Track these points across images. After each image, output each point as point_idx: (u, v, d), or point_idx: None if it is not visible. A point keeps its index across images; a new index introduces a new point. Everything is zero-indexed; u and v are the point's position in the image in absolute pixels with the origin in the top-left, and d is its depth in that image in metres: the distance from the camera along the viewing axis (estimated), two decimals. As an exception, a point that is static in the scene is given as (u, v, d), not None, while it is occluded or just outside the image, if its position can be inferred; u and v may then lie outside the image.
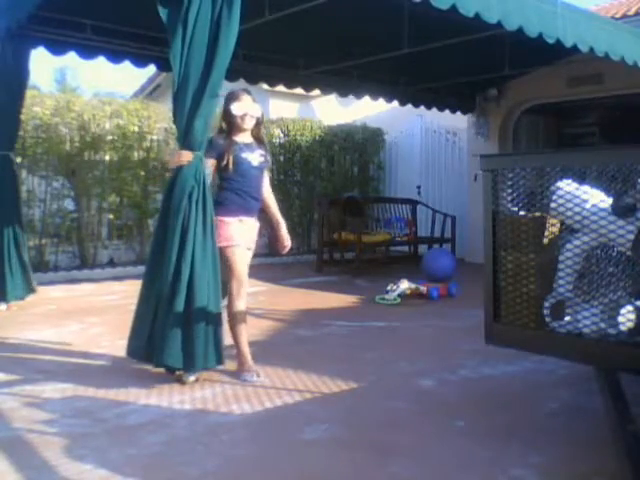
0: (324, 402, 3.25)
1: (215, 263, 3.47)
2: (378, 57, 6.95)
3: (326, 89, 8.42)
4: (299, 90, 8.35)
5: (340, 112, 11.64)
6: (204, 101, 3.40)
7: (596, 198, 2.54)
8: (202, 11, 3.38)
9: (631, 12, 7.41)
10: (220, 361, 3.48)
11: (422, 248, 9.13)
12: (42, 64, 13.70)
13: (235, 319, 3.63)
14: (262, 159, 3.76)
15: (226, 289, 3.62)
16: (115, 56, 6.26)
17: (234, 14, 3.37)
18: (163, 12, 3.50)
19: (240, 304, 3.63)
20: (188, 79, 3.41)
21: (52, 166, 7.50)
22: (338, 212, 8.50)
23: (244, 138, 3.72)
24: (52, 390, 3.35)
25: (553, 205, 2.60)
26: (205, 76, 3.39)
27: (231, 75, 7.04)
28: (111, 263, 7.98)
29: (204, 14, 3.38)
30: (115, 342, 4.34)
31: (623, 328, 2.41)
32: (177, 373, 3.47)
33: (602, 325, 2.46)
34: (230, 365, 3.65)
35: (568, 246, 2.62)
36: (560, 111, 9.77)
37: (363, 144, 10.57)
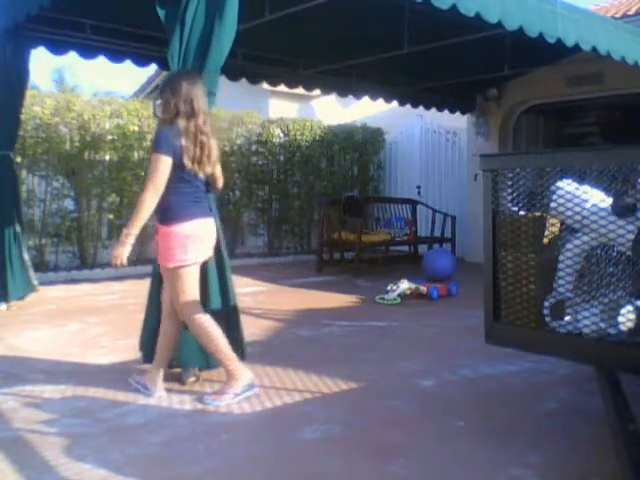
0: (324, 402, 3.25)
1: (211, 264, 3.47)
2: (378, 57, 6.94)
3: (326, 89, 8.43)
4: (299, 90, 8.35)
5: (340, 112, 11.64)
6: None
7: (596, 198, 2.54)
8: (199, 11, 3.39)
9: (631, 12, 7.40)
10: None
11: (422, 248, 9.14)
12: (40, 64, 13.68)
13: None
14: None
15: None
16: (116, 56, 6.27)
17: (230, 14, 3.36)
18: (161, 12, 3.52)
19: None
20: None
21: (52, 166, 7.49)
22: (338, 212, 8.50)
23: None
24: (52, 390, 3.35)
25: (553, 205, 2.60)
26: (200, 75, 3.39)
27: (232, 74, 7.07)
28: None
29: (201, 14, 3.39)
30: (115, 342, 4.34)
31: (623, 328, 2.41)
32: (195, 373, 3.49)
33: (602, 325, 2.46)
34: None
35: (568, 246, 2.62)
36: (560, 111, 9.76)
37: (363, 144, 10.57)
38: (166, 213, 3.11)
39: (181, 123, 3.07)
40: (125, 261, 3.08)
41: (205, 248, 3.24)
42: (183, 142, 3.05)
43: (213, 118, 3.34)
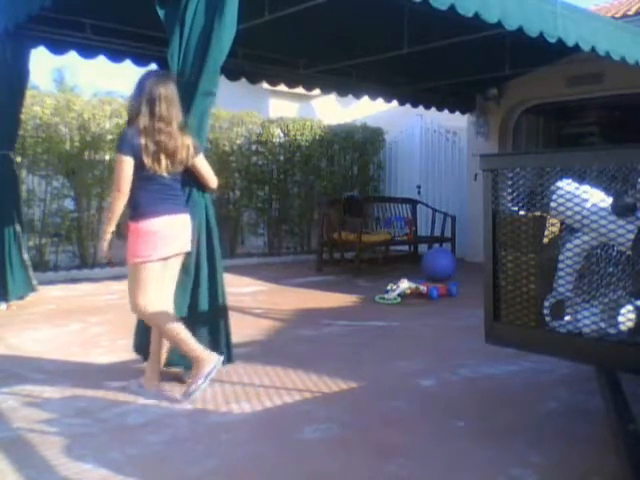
0: (324, 402, 3.25)
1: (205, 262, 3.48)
2: (378, 57, 6.94)
3: (326, 88, 8.43)
4: (299, 90, 8.35)
5: (340, 112, 11.64)
6: (197, 99, 3.40)
7: (596, 198, 2.54)
8: (199, 10, 3.40)
9: (631, 12, 7.40)
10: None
11: (422, 248, 9.14)
12: (40, 64, 13.68)
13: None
14: None
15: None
16: (115, 55, 6.28)
17: (230, 13, 3.37)
18: (161, 12, 3.53)
19: None
20: (184, 78, 3.42)
21: (52, 166, 7.49)
22: (338, 212, 8.50)
23: None
24: (52, 390, 3.35)
25: (553, 205, 2.60)
26: (199, 74, 3.39)
27: (232, 74, 7.07)
28: (110, 263, 7.96)
29: (200, 13, 3.40)
30: (115, 342, 4.35)
31: (623, 328, 2.41)
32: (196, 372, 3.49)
33: (602, 325, 2.46)
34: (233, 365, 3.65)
35: (568, 246, 2.62)
36: (560, 111, 9.76)
37: (363, 144, 10.57)
38: (135, 210, 3.17)
39: (141, 122, 3.10)
40: (106, 253, 3.24)
41: (177, 244, 3.23)
42: (142, 140, 3.07)
43: (184, 119, 3.26)
